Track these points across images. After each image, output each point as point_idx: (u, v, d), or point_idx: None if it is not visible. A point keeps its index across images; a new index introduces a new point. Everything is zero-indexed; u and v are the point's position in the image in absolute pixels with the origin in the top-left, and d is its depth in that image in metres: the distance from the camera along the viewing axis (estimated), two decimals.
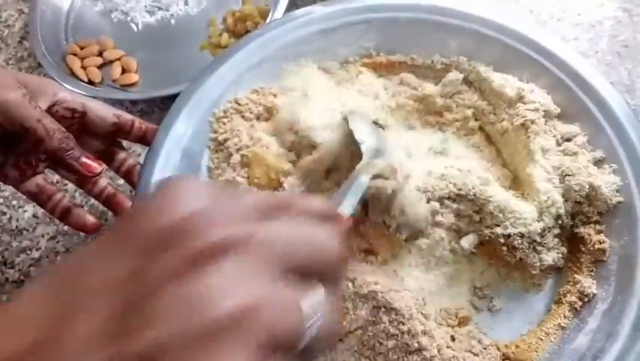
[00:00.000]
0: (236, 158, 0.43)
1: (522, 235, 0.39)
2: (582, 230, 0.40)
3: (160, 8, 0.64)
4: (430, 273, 0.39)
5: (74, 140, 0.39)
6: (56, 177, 0.49)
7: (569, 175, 0.40)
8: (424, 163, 0.42)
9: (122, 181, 0.48)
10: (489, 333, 0.39)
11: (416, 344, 0.35)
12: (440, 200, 0.39)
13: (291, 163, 0.42)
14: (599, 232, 0.40)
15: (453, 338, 0.37)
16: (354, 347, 0.36)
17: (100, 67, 0.60)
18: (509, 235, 0.38)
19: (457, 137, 0.46)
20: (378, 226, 0.38)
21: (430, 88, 0.47)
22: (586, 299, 0.38)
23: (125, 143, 0.46)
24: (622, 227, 0.39)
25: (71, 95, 0.41)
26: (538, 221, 0.39)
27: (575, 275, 0.40)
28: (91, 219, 0.42)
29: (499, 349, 0.38)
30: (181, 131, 0.43)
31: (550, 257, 0.39)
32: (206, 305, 0.16)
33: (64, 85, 0.55)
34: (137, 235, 0.18)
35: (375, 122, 0.40)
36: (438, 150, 0.44)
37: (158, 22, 0.64)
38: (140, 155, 0.53)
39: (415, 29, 0.48)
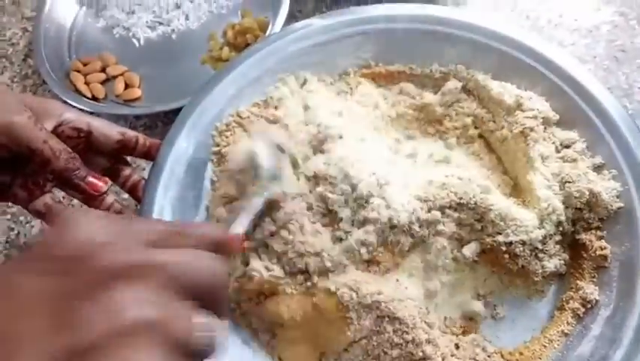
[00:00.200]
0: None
1: (524, 243, 0.39)
2: (583, 236, 0.41)
3: (161, 23, 0.65)
4: (432, 282, 0.40)
5: (80, 160, 0.40)
6: (62, 193, 0.49)
7: (569, 182, 0.40)
8: (425, 172, 0.43)
9: (127, 195, 0.49)
10: (493, 341, 0.39)
11: (420, 353, 0.36)
12: (441, 209, 0.40)
13: None
14: (600, 237, 0.40)
15: (457, 346, 0.38)
16: (359, 356, 0.37)
17: (103, 83, 0.61)
18: (511, 243, 0.39)
19: (457, 145, 0.46)
20: None
21: (429, 97, 0.47)
22: (588, 306, 0.39)
23: (129, 157, 0.47)
24: (623, 233, 0.39)
25: (76, 115, 0.41)
26: (539, 228, 0.39)
27: (578, 281, 0.40)
28: None
29: (503, 356, 0.38)
30: (184, 146, 0.44)
31: (552, 264, 0.40)
32: (116, 317, 0.20)
33: (68, 101, 0.56)
34: (53, 257, 0.22)
35: (279, 147, 0.41)
36: (439, 159, 0.44)
37: (159, 37, 0.65)
38: (144, 169, 0.54)
39: (412, 39, 0.49)
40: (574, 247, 0.41)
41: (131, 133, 0.44)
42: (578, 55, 0.57)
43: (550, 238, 0.40)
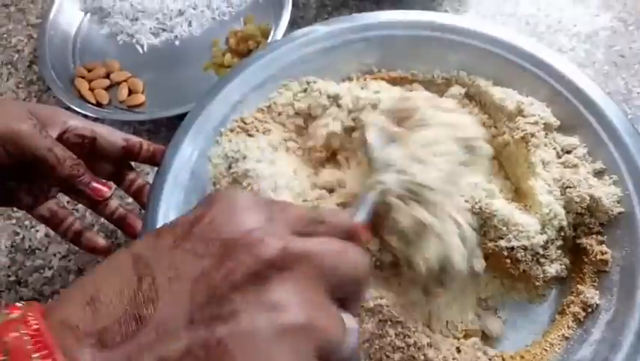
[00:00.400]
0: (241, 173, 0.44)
1: (525, 248, 0.39)
2: (584, 241, 0.41)
3: (164, 30, 0.66)
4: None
5: (85, 166, 0.40)
6: (67, 198, 0.50)
7: (570, 187, 0.41)
8: None
9: (131, 199, 0.49)
10: (494, 344, 0.39)
11: (422, 357, 0.36)
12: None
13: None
14: (601, 242, 0.40)
15: (458, 350, 0.38)
16: (361, 360, 0.37)
17: (107, 89, 0.61)
18: (513, 248, 0.39)
19: None
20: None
21: None
22: (589, 310, 0.39)
23: (133, 163, 0.48)
24: (623, 237, 0.40)
25: (81, 122, 0.42)
26: (541, 233, 0.40)
27: (578, 286, 0.40)
28: (101, 242, 0.43)
29: (504, 360, 0.38)
30: (189, 151, 0.45)
31: (553, 269, 0.40)
32: (273, 314, 0.20)
33: (73, 107, 0.56)
34: (207, 240, 0.21)
35: (390, 136, 0.40)
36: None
37: (162, 43, 0.65)
38: (148, 174, 0.54)
39: (414, 46, 0.49)
40: (575, 252, 0.41)
41: (135, 139, 0.44)
42: (577, 60, 0.57)
43: (552, 243, 0.40)
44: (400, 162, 0.36)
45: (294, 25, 0.61)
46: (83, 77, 0.62)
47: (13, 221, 0.54)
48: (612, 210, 0.40)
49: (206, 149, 0.45)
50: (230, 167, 0.44)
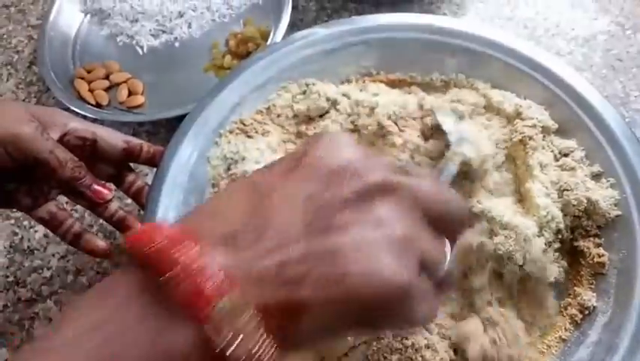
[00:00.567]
0: (240, 175, 0.44)
1: (523, 251, 0.39)
2: (581, 244, 0.41)
3: (164, 32, 0.66)
4: None
5: (85, 168, 0.40)
6: (65, 199, 0.50)
7: (568, 190, 0.41)
8: None
9: (130, 201, 0.49)
10: None
11: (420, 358, 0.36)
12: None
13: None
14: (598, 245, 0.41)
15: (456, 352, 0.38)
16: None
17: (107, 90, 0.61)
18: (511, 251, 0.39)
19: None
20: None
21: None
22: (586, 312, 0.39)
23: (132, 164, 0.48)
24: (620, 240, 0.40)
25: (82, 124, 0.42)
26: (538, 236, 0.40)
27: (575, 288, 0.40)
28: (101, 243, 0.44)
29: None
30: (188, 152, 0.45)
31: (550, 271, 0.40)
32: (379, 227, 0.22)
33: (72, 108, 0.56)
34: (314, 168, 0.24)
35: (459, 114, 0.43)
36: None
37: (162, 45, 0.65)
38: (147, 175, 0.54)
39: (412, 48, 0.49)
40: (572, 254, 0.42)
41: (135, 141, 0.44)
42: (575, 64, 0.57)
43: (550, 246, 0.40)
44: (473, 135, 0.38)
45: (293, 27, 0.61)
46: (82, 78, 0.62)
47: (12, 221, 0.54)
48: (609, 213, 0.40)
49: (205, 150, 0.45)
50: (229, 168, 0.44)
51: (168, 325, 0.20)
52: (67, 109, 0.58)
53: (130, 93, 0.61)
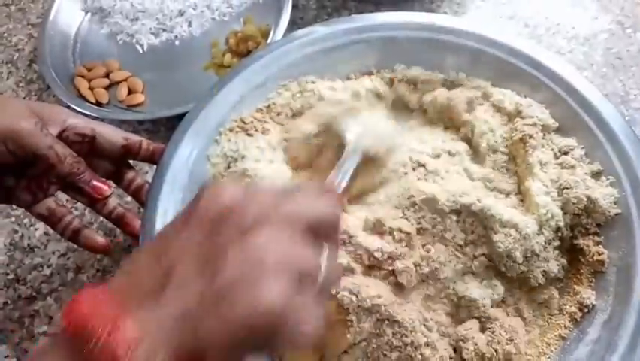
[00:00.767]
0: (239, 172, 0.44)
1: (523, 249, 0.39)
2: (581, 242, 0.41)
3: (164, 30, 0.66)
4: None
5: (85, 164, 0.40)
6: (66, 196, 0.50)
7: (567, 188, 0.41)
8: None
9: (130, 198, 0.49)
10: None
11: (419, 356, 0.36)
12: (446, 214, 0.40)
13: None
14: (598, 243, 0.41)
15: (455, 350, 0.38)
16: (359, 359, 0.37)
17: (107, 88, 0.61)
18: (510, 249, 0.39)
19: None
20: None
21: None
22: (586, 310, 0.39)
23: (132, 161, 0.48)
24: (620, 238, 0.40)
25: (81, 120, 0.42)
26: (538, 234, 0.40)
27: (575, 286, 0.40)
28: (100, 240, 0.44)
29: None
30: (187, 151, 0.45)
31: (550, 269, 0.40)
32: (258, 257, 0.24)
33: (72, 106, 0.56)
34: (200, 218, 0.26)
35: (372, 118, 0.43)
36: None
37: (162, 43, 0.65)
38: (147, 172, 0.54)
39: (413, 47, 0.49)
40: (572, 252, 0.42)
41: (135, 138, 0.44)
42: (575, 62, 0.57)
43: (549, 244, 0.40)
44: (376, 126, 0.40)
45: (293, 26, 0.61)
46: (82, 77, 0.62)
47: (12, 219, 0.54)
48: (609, 212, 0.41)
49: (205, 148, 0.46)
50: (229, 166, 0.44)
51: None
52: (68, 107, 0.57)
53: (130, 92, 0.61)
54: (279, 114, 0.47)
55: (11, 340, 0.47)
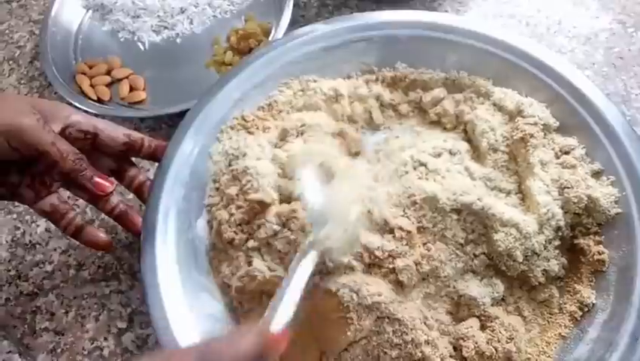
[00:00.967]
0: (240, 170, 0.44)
1: (524, 248, 0.39)
2: (582, 241, 0.41)
3: (166, 27, 0.66)
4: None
5: (87, 161, 0.41)
6: (67, 193, 0.50)
7: (568, 187, 0.41)
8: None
9: (131, 196, 0.49)
10: None
11: (419, 354, 0.36)
12: (447, 213, 0.40)
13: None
14: (598, 243, 0.41)
15: (455, 348, 0.38)
16: (359, 356, 0.37)
17: (108, 85, 0.61)
18: (511, 248, 0.39)
19: None
20: None
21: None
22: (586, 309, 0.39)
23: (134, 159, 0.48)
24: (620, 238, 0.40)
25: (83, 117, 0.42)
26: (538, 233, 0.40)
27: (575, 285, 0.40)
28: (102, 236, 0.44)
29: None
30: (189, 148, 0.45)
31: (550, 268, 0.40)
32: None
33: (74, 103, 0.56)
34: None
35: (323, 165, 0.39)
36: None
37: (164, 41, 0.65)
38: (149, 170, 0.54)
39: (414, 45, 0.49)
40: (572, 252, 0.42)
41: (136, 135, 0.44)
42: (576, 61, 0.57)
43: (550, 243, 0.41)
44: (337, 206, 0.35)
45: (295, 24, 0.61)
46: (84, 74, 0.62)
47: (14, 216, 0.54)
48: (609, 211, 0.41)
49: (206, 146, 0.46)
50: (230, 164, 0.45)
51: None
52: (69, 104, 0.57)
53: (131, 89, 0.61)
54: (280, 112, 0.48)
55: (13, 336, 0.47)
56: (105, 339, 0.46)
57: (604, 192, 0.41)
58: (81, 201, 0.51)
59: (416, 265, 0.39)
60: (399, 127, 0.49)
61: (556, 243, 0.41)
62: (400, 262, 0.38)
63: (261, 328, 0.29)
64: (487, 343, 0.38)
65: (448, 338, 0.38)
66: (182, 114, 0.47)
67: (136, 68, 0.63)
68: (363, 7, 0.63)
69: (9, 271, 0.51)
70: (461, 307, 0.40)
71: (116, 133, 0.43)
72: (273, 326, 0.29)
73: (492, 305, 0.40)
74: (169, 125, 0.58)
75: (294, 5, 0.61)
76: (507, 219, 0.39)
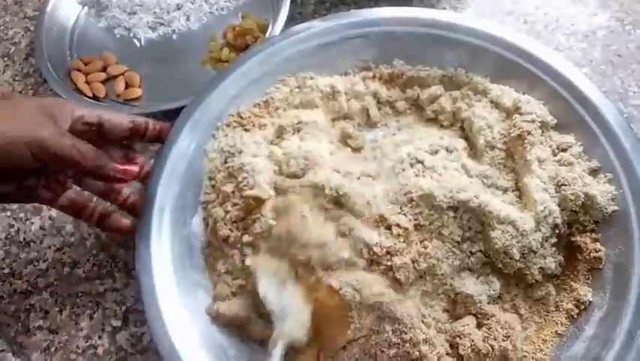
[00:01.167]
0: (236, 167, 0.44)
1: (520, 245, 0.39)
2: (578, 239, 0.41)
3: (162, 24, 0.66)
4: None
5: (105, 155, 0.41)
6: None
7: (565, 185, 0.41)
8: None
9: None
10: None
11: (417, 353, 0.36)
12: (443, 210, 0.40)
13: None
14: (595, 240, 0.41)
15: (452, 346, 0.38)
16: (356, 355, 0.37)
17: (104, 82, 0.61)
18: (507, 245, 0.39)
19: None
20: None
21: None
22: (582, 307, 0.39)
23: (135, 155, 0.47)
24: (617, 236, 0.40)
25: (87, 109, 0.42)
26: (535, 231, 0.40)
27: (572, 283, 0.40)
28: (125, 221, 0.44)
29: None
30: (185, 144, 0.45)
31: (547, 266, 0.40)
32: None
33: (70, 100, 0.56)
34: None
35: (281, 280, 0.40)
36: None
37: (160, 37, 0.65)
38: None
39: (411, 42, 0.49)
40: (569, 249, 0.42)
41: (140, 119, 0.44)
42: (574, 59, 0.57)
43: (547, 241, 0.40)
44: (294, 306, 0.38)
45: (291, 21, 0.60)
46: (79, 70, 0.61)
47: (8, 213, 0.53)
48: (606, 209, 0.41)
49: (203, 142, 0.45)
50: (225, 161, 0.44)
51: None
52: None
53: (127, 86, 0.61)
54: (276, 109, 0.47)
55: (7, 334, 0.47)
56: (99, 337, 0.46)
57: (601, 190, 0.41)
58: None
59: (413, 263, 0.38)
60: (396, 124, 0.49)
61: (553, 240, 0.41)
62: (397, 260, 0.38)
63: None
64: (484, 341, 0.38)
65: (445, 335, 0.38)
66: (178, 111, 0.47)
67: (132, 64, 0.62)
68: (361, 5, 0.63)
69: (3, 268, 0.50)
70: (458, 305, 0.39)
71: (121, 120, 0.43)
72: None
73: (488, 303, 0.40)
74: (165, 121, 0.57)
75: (291, 2, 0.61)
76: (504, 217, 0.39)
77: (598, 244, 0.40)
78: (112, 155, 0.44)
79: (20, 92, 0.63)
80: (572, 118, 0.44)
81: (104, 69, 0.62)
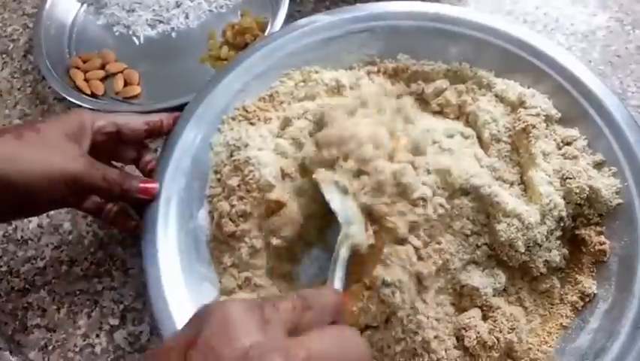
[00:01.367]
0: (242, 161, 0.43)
1: (525, 238, 0.39)
2: (583, 232, 0.41)
3: (161, 22, 0.65)
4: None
5: (130, 176, 0.42)
6: None
7: (570, 178, 0.41)
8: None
9: None
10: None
11: (425, 346, 0.36)
12: (455, 195, 0.40)
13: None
14: (600, 233, 0.41)
15: (457, 338, 0.38)
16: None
17: (102, 80, 0.61)
18: (513, 238, 0.39)
19: None
20: None
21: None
22: (587, 299, 0.39)
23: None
24: (622, 228, 0.40)
25: (104, 119, 0.43)
26: (540, 224, 0.40)
27: (577, 276, 0.40)
28: (132, 222, 0.46)
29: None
30: (191, 137, 0.45)
31: (552, 259, 0.40)
32: None
33: (68, 98, 0.56)
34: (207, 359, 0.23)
35: (343, 189, 0.40)
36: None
37: (159, 35, 0.65)
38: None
39: (416, 36, 0.49)
40: (573, 242, 0.42)
41: (154, 118, 0.45)
42: None
43: (551, 234, 0.40)
44: (355, 215, 0.38)
45: (290, 19, 0.60)
46: (78, 68, 0.61)
47: None
48: (611, 202, 0.41)
49: (208, 136, 0.45)
50: (231, 155, 0.44)
51: None
52: (63, 99, 0.57)
53: (126, 83, 0.60)
54: (281, 103, 0.47)
55: (4, 332, 0.46)
56: (97, 336, 0.45)
57: (605, 183, 0.41)
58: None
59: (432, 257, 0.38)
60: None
61: (558, 233, 0.41)
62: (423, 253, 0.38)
63: (335, 290, 0.34)
64: (489, 333, 0.38)
65: (451, 327, 0.38)
66: (177, 109, 0.47)
67: (131, 62, 0.62)
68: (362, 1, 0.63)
69: (0, 267, 0.50)
70: (463, 298, 0.39)
71: (136, 124, 0.44)
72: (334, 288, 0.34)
73: (494, 296, 0.39)
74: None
75: (291, 0, 0.61)
76: (510, 210, 0.39)
77: (602, 236, 0.41)
78: (125, 155, 0.46)
79: (19, 89, 0.62)
80: (577, 112, 0.44)
81: (102, 67, 0.62)
